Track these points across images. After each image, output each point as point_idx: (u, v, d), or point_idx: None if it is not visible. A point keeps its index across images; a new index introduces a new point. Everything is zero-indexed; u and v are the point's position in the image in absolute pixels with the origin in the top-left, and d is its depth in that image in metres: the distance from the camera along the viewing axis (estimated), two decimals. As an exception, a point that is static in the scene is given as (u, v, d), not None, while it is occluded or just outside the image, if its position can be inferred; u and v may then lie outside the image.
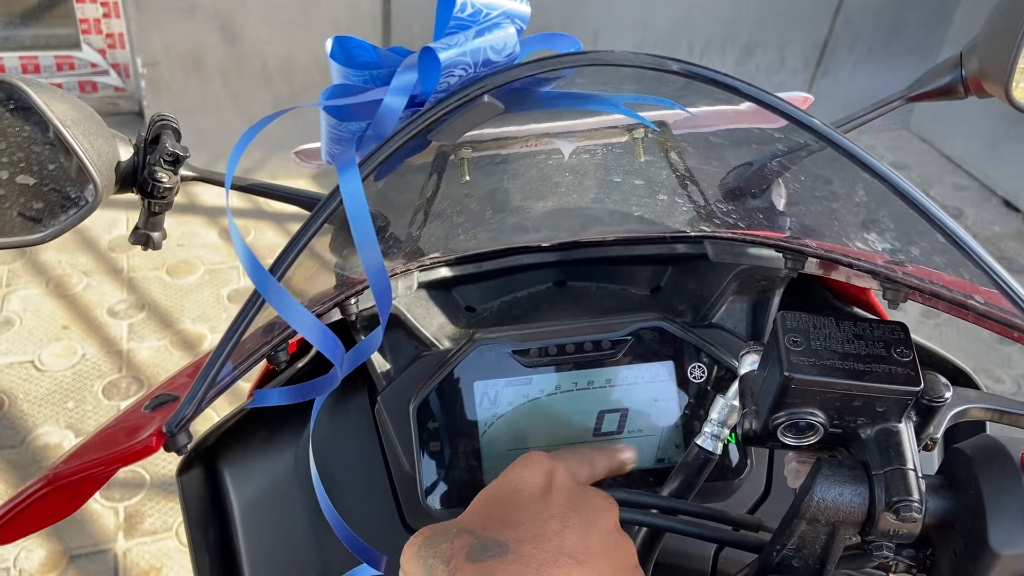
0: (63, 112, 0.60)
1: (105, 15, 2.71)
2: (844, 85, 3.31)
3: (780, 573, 0.50)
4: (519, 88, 0.44)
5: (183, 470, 0.71)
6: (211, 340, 2.31)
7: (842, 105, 2.65)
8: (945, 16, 3.29)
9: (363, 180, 0.38)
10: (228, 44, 2.60)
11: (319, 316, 0.58)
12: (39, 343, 2.24)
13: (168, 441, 0.48)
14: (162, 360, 2.23)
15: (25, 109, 0.60)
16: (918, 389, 0.46)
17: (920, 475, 0.46)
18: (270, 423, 0.73)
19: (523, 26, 0.43)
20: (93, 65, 2.78)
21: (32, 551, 1.78)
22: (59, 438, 2.00)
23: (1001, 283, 0.44)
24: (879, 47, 3.20)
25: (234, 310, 2.28)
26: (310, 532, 0.70)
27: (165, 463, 1.98)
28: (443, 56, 0.39)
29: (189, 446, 0.51)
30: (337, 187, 0.39)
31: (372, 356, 0.69)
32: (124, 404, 2.11)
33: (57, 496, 0.52)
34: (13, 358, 2.19)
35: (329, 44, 0.44)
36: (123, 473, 1.94)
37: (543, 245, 0.72)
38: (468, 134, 0.54)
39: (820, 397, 0.47)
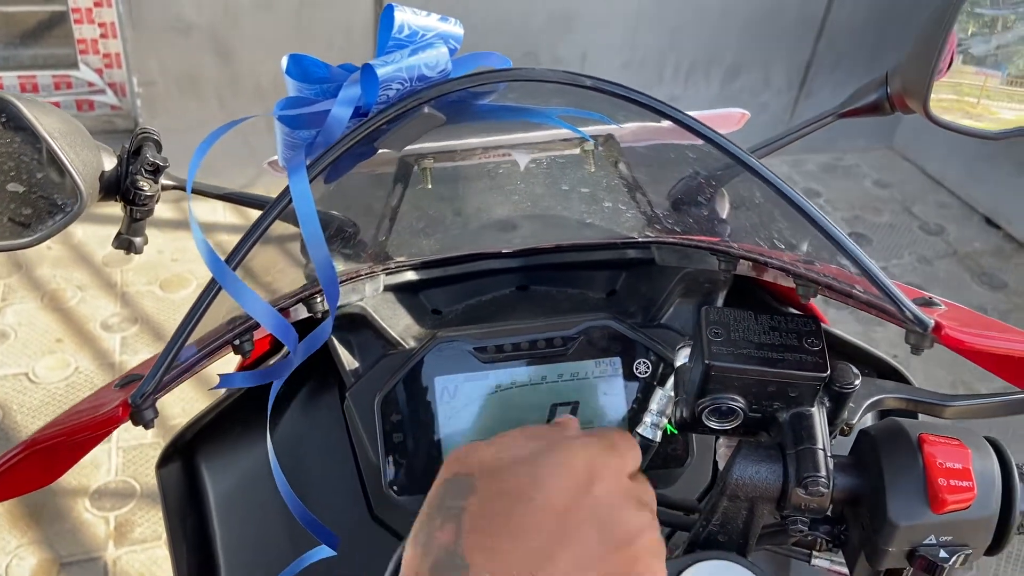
0: (51, 125, 0.64)
1: (103, 36, 2.77)
2: (827, 104, 3.35)
3: (707, 547, 0.54)
4: (457, 101, 0.48)
5: (162, 463, 0.75)
6: (202, 353, 2.35)
7: (824, 124, 2.71)
8: (926, 38, 3.36)
9: (311, 181, 0.42)
10: (223, 64, 2.66)
11: (285, 310, 0.63)
12: (33, 356, 2.28)
13: (133, 412, 0.52)
14: (154, 373, 2.27)
15: (15, 122, 0.64)
16: (825, 375, 0.51)
17: (829, 454, 0.50)
18: (245, 419, 0.77)
19: (456, 46, 0.47)
20: (90, 84, 2.83)
21: (23, 559, 1.81)
22: (51, 448, 2.04)
23: (870, 274, 0.49)
24: (861, 67, 3.26)
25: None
26: (282, 521, 0.74)
27: (155, 473, 2.01)
28: (380, 72, 0.44)
29: (155, 421, 0.54)
30: (287, 187, 0.44)
31: (342, 355, 0.74)
32: (116, 415, 2.15)
33: (34, 463, 0.56)
34: (7, 370, 2.23)
35: (285, 61, 0.49)
36: (114, 483, 1.97)
37: (505, 251, 0.77)
38: (422, 144, 0.58)
39: (738, 383, 0.51)
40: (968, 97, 0.66)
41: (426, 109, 0.45)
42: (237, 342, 0.58)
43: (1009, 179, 3.23)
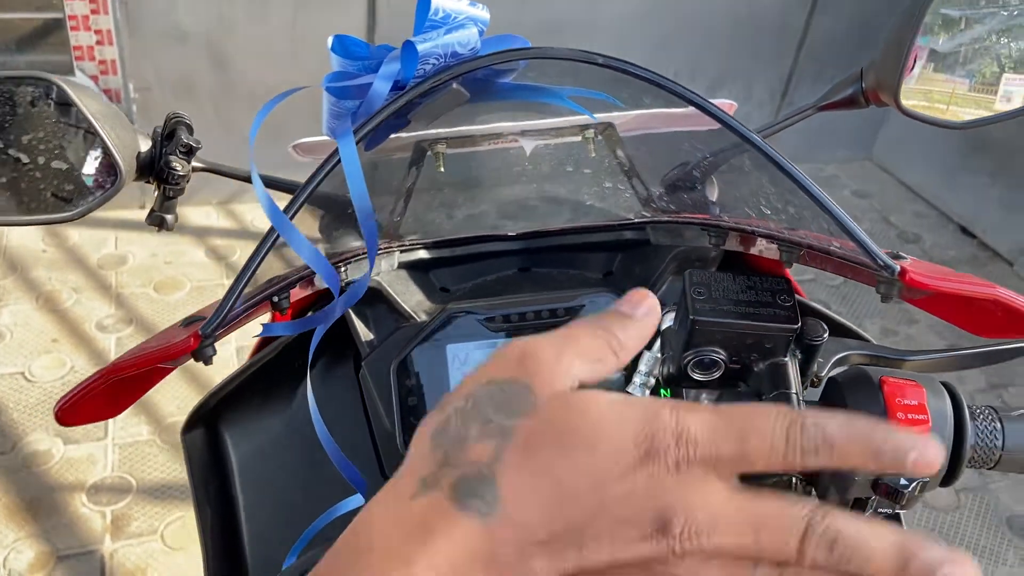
0: (94, 107, 0.69)
1: (99, 43, 2.81)
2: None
3: None
4: (481, 78, 0.54)
5: (187, 430, 0.79)
6: (197, 353, 2.38)
7: (805, 134, 2.79)
8: (903, 53, 3.46)
9: (356, 144, 0.48)
10: (218, 71, 2.71)
11: (312, 283, 0.68)
12: (29, 355, 2.31)
13: (202, 342, 0.56)
14: (149, 372, 2.30)
15: (61, 103, 0.69)
16: (796, 327, 0.56)
17: (801, 398, 0.56)
18: (265, 389, 0.82)
19: (484, 28, 0.53)
20: (85, 90, 2.87)
21: (21, 552, 1.83)
22: (48, 445, 2.07)
23: (844, 224, 0.55)
24: (841, 77, 3.36)
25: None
26: (300, 483, 0.79)
27: (152, 468, 2.05)
28: (420, 47, 0.50)
29: (213, 359, 0.58)
30: (337, 149, 0.49)
31: (358, 327, 0.79)
32: (112, 413, 2.18)
33: (108, 393, 0.60)
34: (4, 369, 2.26)
35: (330, 40, 0.55)
36: (110, 478, 2.01)
37: (509, 234, 0.82)
38: (437, 130, 0.64)
39: (720, 336, 0.57)
40: (935, 91, 0.72)
41: (454, 85, 0.51)
42: (276, 299, 0.64)
43: (984, 190, 3.32)
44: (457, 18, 0.51)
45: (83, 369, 2.28)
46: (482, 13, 0.53)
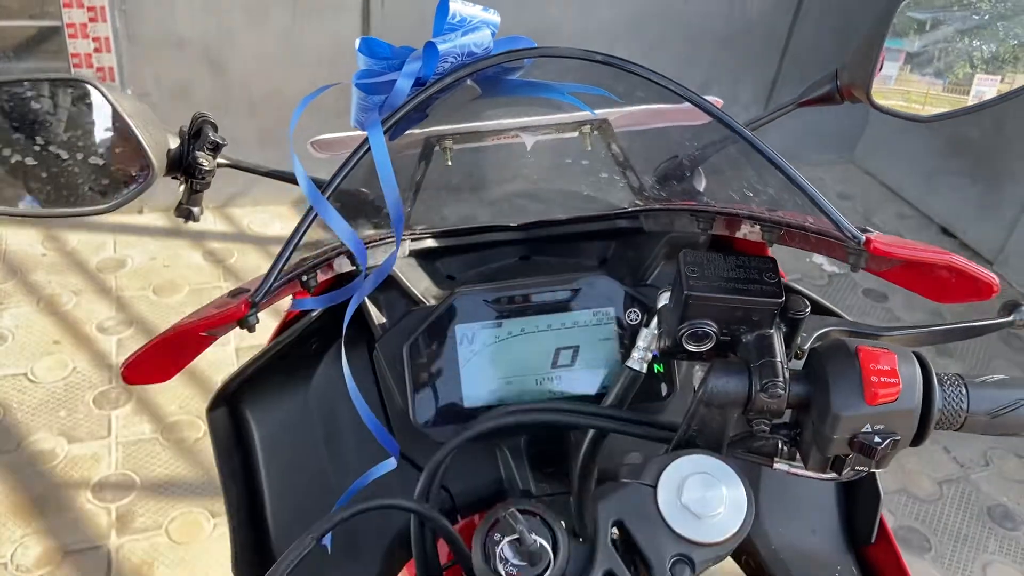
0: (128, 107, 0.75)
1: (96, 50, 2.85)
2: (790, 119, 3.54)
3: (687, 446, 0.65)
4: (491, 76, 0.60)
5: (211, 409, 0.85)
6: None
7: (790, 137, 2.86)
8: (883, 58, 3.55)
9: (385, 133, 0.53)
10: (216, 77, 2.76)
11: (331, 265, 0.74)
12: (31, 357, 2.35)
13: (250, 309, 0.61)
14: (150, 372, 2.35)
15: (97, 104, 0.75)
16: (780, 301, 0.62)
17: (785, 366, 0.62)
18: (284, 371, 0.87)
19: (495, 30, 0.59)
20: (83, 97, 2.92)
21: (28, 547, 1.87)
22: (52, 444, 2.11)
23: (815, 199, 0.61)
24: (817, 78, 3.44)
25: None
26: (317, 458, 0.84)
27: (156, 466, 2.09)
28: (441, 47, 0.55)
29: (256, 327, 0.63)
30: (367, 138, 0.55)
31: (371, 311, 0.84)
32: (115, 412, 2.22)
33: (163, 354, 0.65)
34: (7, 371, 2.30)
35: (357, 42, 0.60)
36: (114, 475, 2.05)
37: (511, 225, 0.88)
38: (444, 127, 0.70)
39: (711, 310, 0.63)
40: (904, 88, 0.78)
41: (468, 81, 0.56)
42: (304, 278, 0.69)
43: (964, 191, 3.41)
44: (472, 21, 0.57)
45: (85, 370, 2.33)
46: (494, 17, 0.59)
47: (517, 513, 0.58)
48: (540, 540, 0.58)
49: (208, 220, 2.98)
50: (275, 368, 0.87)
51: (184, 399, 2.28)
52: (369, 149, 0.53)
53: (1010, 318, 0.78)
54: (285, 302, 0.81)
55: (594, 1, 3.00)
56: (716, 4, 3.23)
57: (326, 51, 2.82)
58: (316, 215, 0.55)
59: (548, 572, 0.58)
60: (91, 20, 2.80)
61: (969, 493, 2.37)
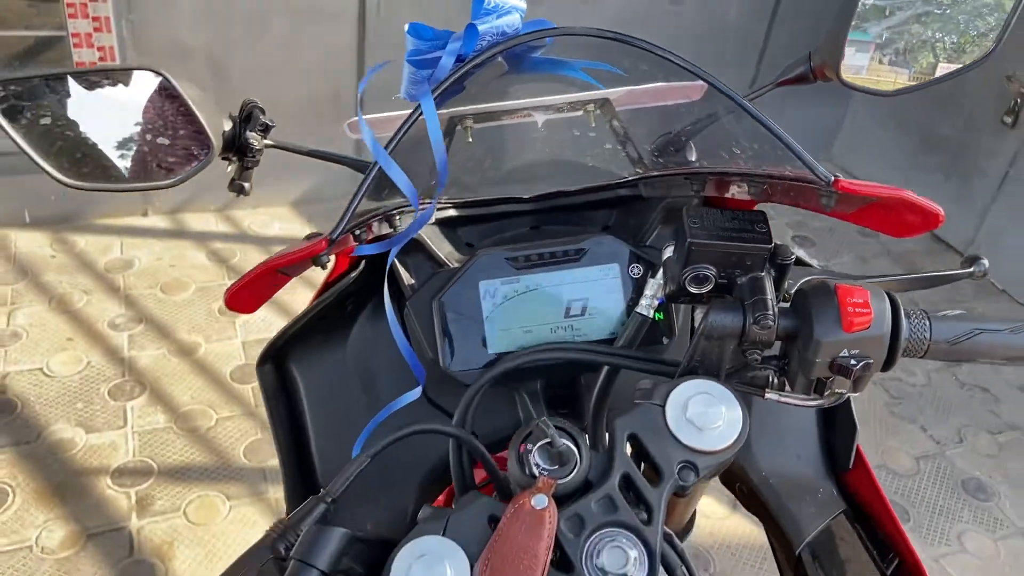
0: (192, 94, 0.86)
1: (101, 59, 2.95)
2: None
3: (690, 374, 0.76)
4: (519, 53, 0.71)
5: (260, 364, 0.95)
6: (205, 349, 2.52)
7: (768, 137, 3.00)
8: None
9: (434, 98, 0.64)
10: (218, 85, 2.86)
11: (370, 226, 0.84)
12: (47, 352, 2.44)
13: (328, 245, 0.71)
14: (162, 366, 2.44)
15: (167, 92, 0.85)
16: (770, 246, 0.73)
17: (774, 303, 0.73)
18: (323, 331, 0.98)
19: (523, 14, 0.70)
20: (87, 105, 3.01)
21: (52, 531, 1.96)
22: (71, 434, 2.19)
23: (791, 146, 0.72)
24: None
25: (226, 322, 2.49)
26: (355, 403, 0.95)
27: (171, 453, 2.18)
28: (480, 28, 0.67)
29: (328, 264, 0.73)
30: (419, 105, 0.65)
31: (402, 273, 0.95)
32: (130, 404, 2.31)
33: (252, 290, 0.75)
34: (23, 366, 2.38)
35: (406, 27, 0.71)
36: (132, 462, 2.14)
37: (524, 198, 0.99)
38: (465, 107, 0.80)
39: (711, 255, 0.74)
40: (868, 65, 0.90)
41: (499, 58, 0.67)
42: (357, 232, 0.80)
43: (938, 187, 3.56)
44: (504, 6, 0.68)
45: (99, 364, 2.42)
46: (522, 3, 0.70)
47: (548, 421, 0.69)
48: (568, 443, 0.69)
49: (210, 222, 3.07)
50: (315, 328, 0.98)
51: (195, 390, 2.37)
52: (422, 114, 0.64)
53: (970, 269, 0.89)
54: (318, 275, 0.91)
55: (577, 9, 3.13)
56: (696, 10, 3.37)
57: (322, 57, 2.93)
58: (379, 166, 0.66)
59: (575, 472, 0.68)
60: (96, 30, 2.90)
61: (945, 468, 2.49)
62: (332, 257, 0.77)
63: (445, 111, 0.89)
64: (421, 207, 0.89)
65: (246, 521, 2.03)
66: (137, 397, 2.33)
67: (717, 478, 0.96)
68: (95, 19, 2.87)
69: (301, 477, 0.94)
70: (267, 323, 2.65)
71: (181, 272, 2.82)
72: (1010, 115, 3.24)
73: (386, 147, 0.66)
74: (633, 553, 0.66)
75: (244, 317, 2.66)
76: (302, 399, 0.97)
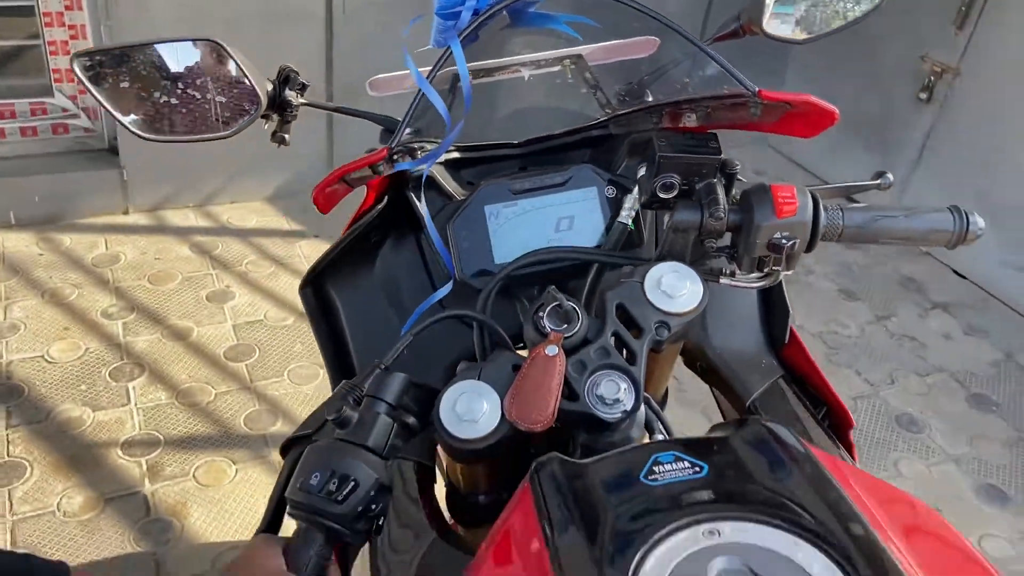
0: (242, 59, 1.05)
1: (77, 66, 3.08)
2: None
3: (662, 259, 0.98)
4: (519, 7, 0.92)
5: (303, 287, 1.14)
6: (198, 332, 2.68)
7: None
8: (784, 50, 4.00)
9: (461, 39, 0.85)
10: (194, 84, 3.02)
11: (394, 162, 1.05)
12: (46, 341, 2.57)
13: (389, 153, 0.91)
14: (158, 349, 2.59)
15: (222, 58, 1.04)
16: (721, 157, 0.95)
17: (724, 200, 0.95)
18: (351, 262, 1.17)
19: (526, -21, 0.92)
20: (64, 110, 3.13)
21: (72, 497, 2.10)
22: (79, 412, 2.34)
23: (719, 61, 0.94)
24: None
25: (214, 308, 2.64)
26: (386, 315, 1.14)
27: (175, 425, 2.34)
28: (490, -11, 0.88)
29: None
30: (448, 48, 0.86)
31: (418, 205, 1.15)
32: (131, 384, 2.46)
33: (326, 195, 0.94)
34: (24, 354, 2.52)
35: (435, -12, 0.92)
36: (140, 435, 2.29)
37: (515, 142, 1.20)
38: (474, 64, 1.01)
39: (676, 166, 0.95)
40: (788, 18, 1.14)
41: (504, 12, 0.88)
42: (395, 156, 1.00)
43: (861, 160, 3.87)
44: (510, -29, 0.90)
45: (97, 350, 2.56)
46: (522, -33, 0.92)
47: (555, 288, 0.90)
48: (573, 304, 0.90)
49: (190, 217, 3.22)
50: (345, 258, 1.17)
51: (192, 369, 2.53)
52: (451, 54, 0.85)
53: (878, 181, 1.13)
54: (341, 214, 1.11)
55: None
56: None
57: (294, 59, 3.09)
58: (423, 94, 0.87)
59: (578, 329, 0.89)
60: (72, 38, 3.03)
61: (879, 406, 2.76)
62: (385, 166, 0.97)
63: (449, 69, 1.10)
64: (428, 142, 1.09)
65: (254, 481, 2.20)
66: (137, 378, 2.48)
67: (682, 362, 1.19)
68: (71, 27, 3.01)
69: (345, 379, 1.14)
70: (254, 307, 2.81)
71: (167, 264, 2.97)
72: (925, 91, 3.56)
73: (429, 76, 0.86)
74: (624, 385, 0.87)
75: (231, 302, 2.82)
76: (340, 314, 1.16)
